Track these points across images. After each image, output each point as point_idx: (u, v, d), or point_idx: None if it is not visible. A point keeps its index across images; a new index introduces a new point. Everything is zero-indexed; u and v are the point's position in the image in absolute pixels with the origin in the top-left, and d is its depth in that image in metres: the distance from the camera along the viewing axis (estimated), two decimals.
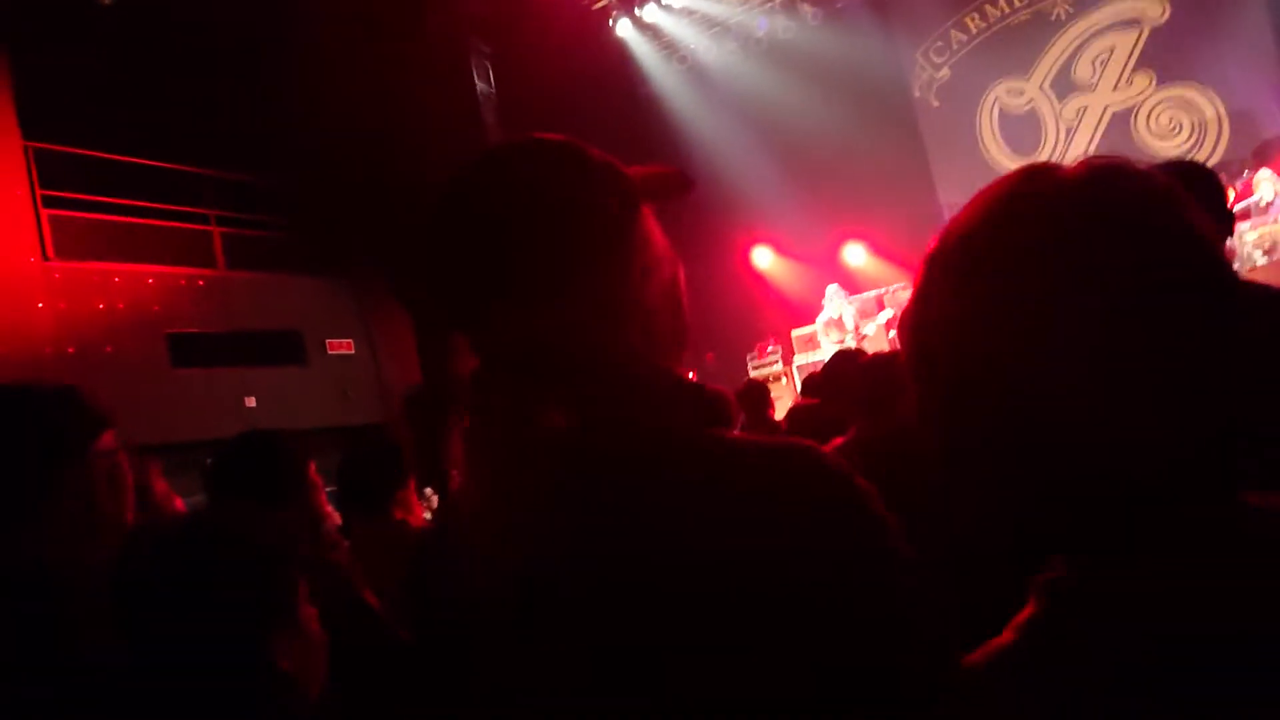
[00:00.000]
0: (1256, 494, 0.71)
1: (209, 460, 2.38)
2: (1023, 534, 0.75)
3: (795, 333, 12.45)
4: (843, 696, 0.76)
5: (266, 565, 1.40)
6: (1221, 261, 0.71)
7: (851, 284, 12.31)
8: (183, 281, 9.89)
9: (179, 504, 2.79)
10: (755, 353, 12.85)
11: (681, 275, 1.02)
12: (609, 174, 0.95)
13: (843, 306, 11.18)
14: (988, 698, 0.72)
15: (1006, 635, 0.74)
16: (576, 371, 0.89)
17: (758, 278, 14.08)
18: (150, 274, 9.61)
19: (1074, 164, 0.76)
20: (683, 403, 0.89)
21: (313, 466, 2.38)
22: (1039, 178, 0.76)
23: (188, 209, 10.23)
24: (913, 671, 0.78)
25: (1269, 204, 8.88)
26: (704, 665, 0.77)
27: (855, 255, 13.20)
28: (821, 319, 11.32)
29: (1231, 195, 8.43)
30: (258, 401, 9.89)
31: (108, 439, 1.55)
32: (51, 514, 1.46)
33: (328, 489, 2.60)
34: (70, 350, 8.52)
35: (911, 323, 0.78)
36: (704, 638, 0.77)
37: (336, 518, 2.99)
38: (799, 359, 11.87)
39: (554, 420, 0.86)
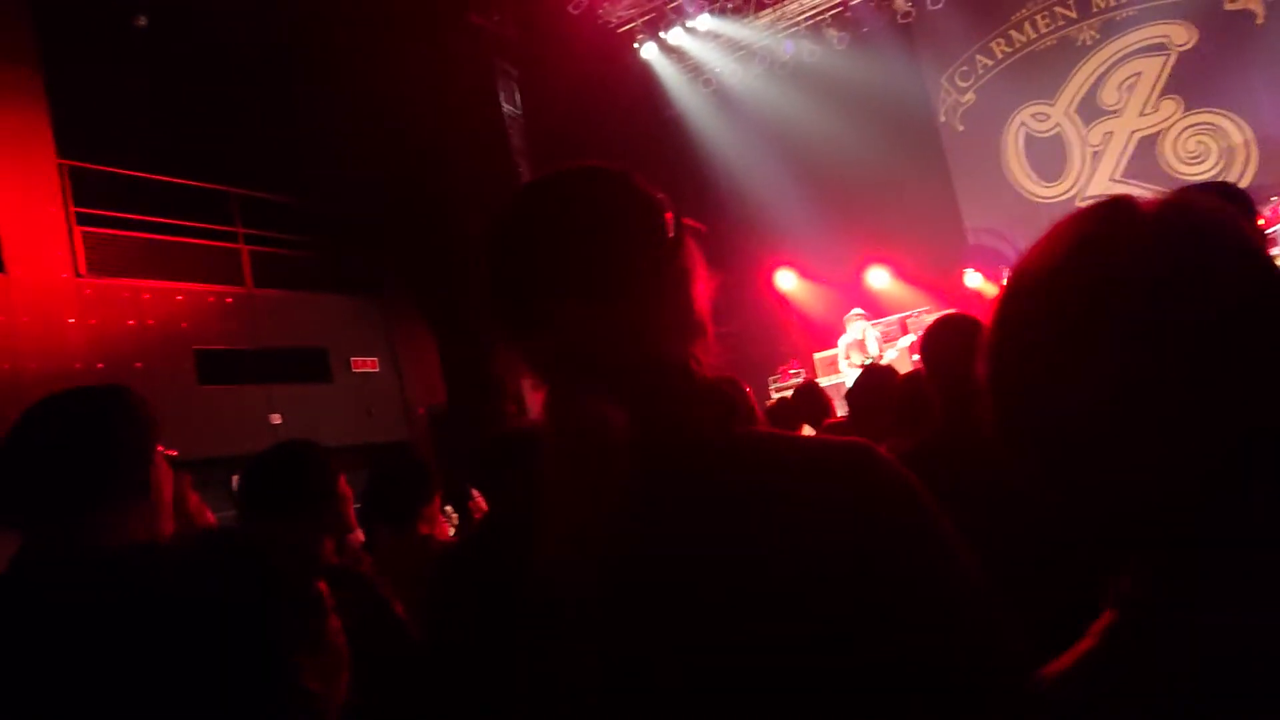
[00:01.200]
0: None
1: (241, 469, 2.41)
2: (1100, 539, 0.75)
3: (818, 355, 12.43)
4: (915, 675, 0.80)
5: (295, 586, 1.43)
6: None
7: (875, 308, 12.28)
8: (211, 299, 9.99)
9: (210, 517, 2.83)
10: (778, 375, 12.82)
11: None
12: (665, 198, 1.03)
13: (865, 330, 11.15)
14: (1073, 703, 0.73)
15: (1088, 641, 0.75)
16: (638, 371, 0.94)
17: (781, 300, 14.08)
18: (180, 291, 9.72)
19: (1149, 203, 0.74)
20: (736, 408, 0.97)
21: (343, 478, 2.40)
22: (1115, 218, 0.74)
23: (217, 227, 10.35)
24: (977, 651, 0.82)
25: None
26: (780, 646, 0.81)
27: (879, 279, 13.19)
28: (844, 342, 11.29)
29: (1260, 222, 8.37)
30: (283, 418, 9.96)
31: None
32: (144, 499, 1.55)
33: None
34: (100, 366, 8.61)
35: (991, 360, 0.78)
36: (778, 619, 0.81)
37: (360, 534, 3.01)
38: (821, 381, 11.82)
39: (618, 418, 0.91)
